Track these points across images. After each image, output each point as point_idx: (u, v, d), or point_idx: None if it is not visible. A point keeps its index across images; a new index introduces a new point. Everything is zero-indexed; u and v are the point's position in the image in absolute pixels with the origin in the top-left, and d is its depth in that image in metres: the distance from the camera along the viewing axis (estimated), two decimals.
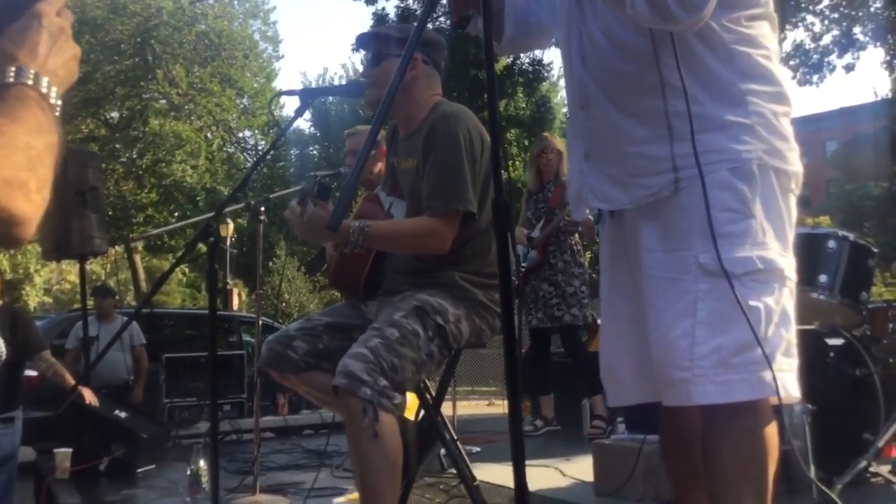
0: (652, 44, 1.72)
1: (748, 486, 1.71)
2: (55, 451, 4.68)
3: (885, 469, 3.15)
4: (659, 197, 1.76)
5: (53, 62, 1.01)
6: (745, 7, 1.74)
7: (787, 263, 1.74)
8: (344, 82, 27.06)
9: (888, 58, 16.07)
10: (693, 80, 1.70)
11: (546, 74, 18.01)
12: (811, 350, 3.38)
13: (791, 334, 1.72)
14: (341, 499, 3.59)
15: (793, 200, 1.79)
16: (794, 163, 1.78)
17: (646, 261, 1.78)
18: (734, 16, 1.72)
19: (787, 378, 1.67)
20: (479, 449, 4.98)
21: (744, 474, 1.71)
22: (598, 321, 6.03)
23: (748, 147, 1.71)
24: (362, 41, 2.83)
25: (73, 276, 34.73)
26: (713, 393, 1.65)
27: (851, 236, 3.35)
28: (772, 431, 1.74)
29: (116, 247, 27.13)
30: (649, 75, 1.73)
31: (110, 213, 23.14)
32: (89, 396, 5.11)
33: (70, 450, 4.68)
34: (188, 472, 3.86)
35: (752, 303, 1.65)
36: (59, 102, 0.99)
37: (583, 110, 1.87)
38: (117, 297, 8.45)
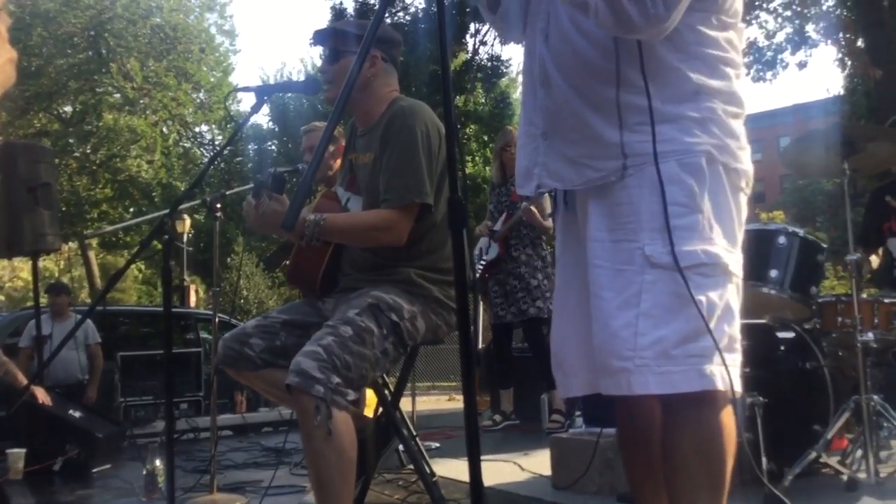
0: (613, 36, 1.73)
1: (706, 479, 1.73)
2: (8, 451, 4.62)
3: (834, 460, 3.22)
4: (607, 181, 1.77)
5: None
6: (711, 12, 1.76)
7: (734, 259, 1.75)
8: (302, 77, 26.94)
9: (840, 55, 16.39)
10: (648, 73, 1.72)
11: (505, 70, 18.06)
12: (762, 343, 3.45)
13: (734, 330, 1.73)
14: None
15: (743, 199, 1.81)
16: (745, 162, 1.80)
17: (593, 250, 1.79)
18: (698, 17, 1.74)
19: (726, 372, 1.67)
20: (438, 445, 5.00)
21: (702, 467, 1.73)
22: None
23: (697, 140, 1.72)
24: (320, 37, 2.82)
25: (26, 274, 34.09)
26: (653, 384, 1.66)
27: (801, 232, 3.41)
28: (731, 425, 1.75)
29: (70, 243, 26.73)
30: (606, 64, 1.75)
31: (64, 208, 22.78)
32: (42, 396, 5.04)
33: (23, 450, 4.61)
34: (144, 472, 3.82)
35: (694, 296, 1.66)
36: None
37: (542, 88, 1.88)
38: (72, 295, 8.32)
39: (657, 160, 1.70)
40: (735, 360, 1.72)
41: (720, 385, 1.66)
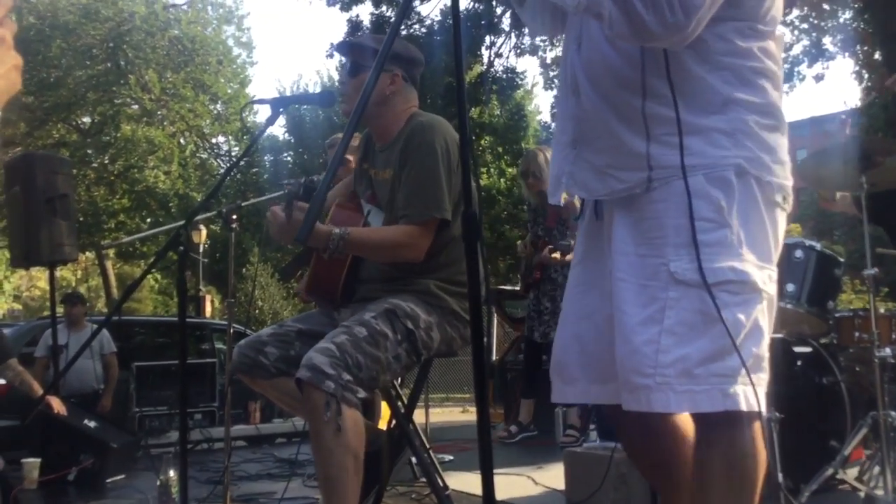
0: (640, 47, 1.71)
1: (735, 500, 1.71)
2: (23, 461, 4.63)
3: (851, 476, 3.19)
4: (632, 193, 1.74)
5: None
6: (745, 20, 1.72)
7: (765, 276, 1.70)
8: (319, 88, 27.07)
9: (857, 68, 16.29)
10: (675, 84, 1.69)
11: (520, 82, 18.04)
12: (779, 358, 3.42)
13: (762, 349, 1.69)
14: None
15: (780, 213, 1.75)
16: (782, 176, 1.74)
17: (618, 263, 1.76)
18: (730, 26, 1.70)
19: (750, 391, 1.64)
20: (451, 457, 4.98)
21: (732, 489, 1.70)
22: None
23: (726, 153, 1.68)
24: (342, 49, 2.87)
25: (44, 283, 34.32)
26: (674, 402, 1.64)
27: (818, 246, 3.39)
28: (762, 447, 1.72)
29: (87, 253, 26.90)
30: (633, 74, 1.72)
31: (81, 219, 22.91)
32: (57, 406, 5.06)
33: (38, 460, 4.62)
34: (158, 483, 3.82)
35: (722, 314, 1.62)
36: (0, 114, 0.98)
37: (573, 96, 1.86)
38: (88, 305, 8.36)
39: (685, 174, 1.66)
40: (762, 379, 1.67)
41: (743, 405, 1.63)
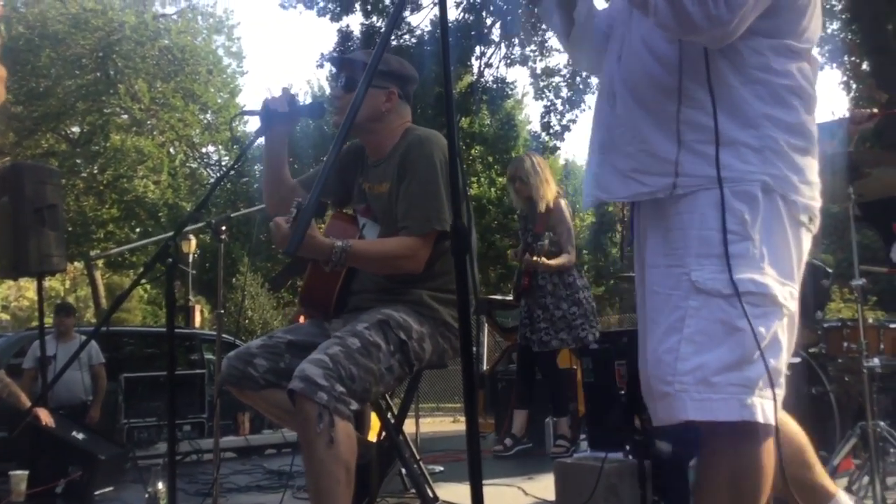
0: (679, 53, 1.74)
1: None
2: (11, 473, 4.60)
3: (840, 486, 3.19)
4: (655, 198, 1.77)
5: None
6: (782, 36, 1.74)
7: (786, 292, 1.71)
8: (309, 98, 27.06)
9: (845, 78, 16.39)
10: (714, 92, 1.71)
11: (510, 92, 18.11)
12: None
13: (780, 363, 1.69)
14: None
15: (805, 233, 1.76)
16: (808, 196, 1.75)
17: (651, 276, 1.80)
18: (767, 43, 1.72)
19: (766, 405, 1.65)
20: (441, 468, 4.97)
21: (733, 500, 1.69)
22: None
23: (752, 168, 1.69)
24: (336, 64, 2.89)
25: (32, 294, 34.13)
26: (692, 410, 1.64)
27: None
28: (769, 462, 1.71)
29: (76, 263, 26.77)
30: (671, 79, 1.75)
31: (70, 228, 22.81)
32: (45, 418, 5.03)
33: (26, 472, 4.59)
34: (146, 495, 3.80)
35: (739, 324, 1.64)
36: None
37: (608, 104, 1.90)
38: (77, 315, 8.31)
39: (721, 184, 1.68)
40: (778, 395, 1.68)
41: (760, 417, 1.63)
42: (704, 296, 1.66)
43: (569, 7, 2.05)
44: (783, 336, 1.70)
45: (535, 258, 5.35)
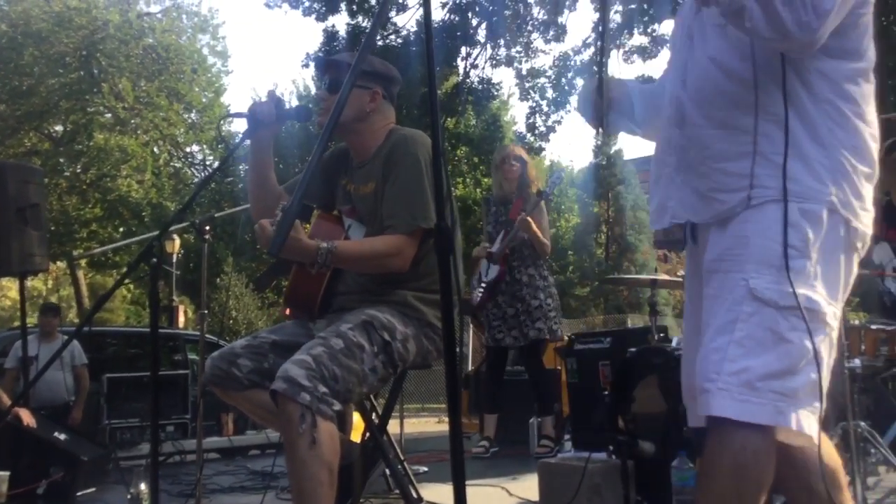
0: (753, 69, 1.80)
1: (736, 501, 1.73)
2: None
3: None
4: (732, 213, 1.82)
5: None
6: (846, 58, 1.80)
7: (832, 312, 1.77)
8: (294, 98, 27.03)
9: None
10: (790, 110, 1.76)
11: (496, 93, 18.12)
12: None
13: (821, 379, 1.74)
14: None
15: (855, 259, 1.84)
16: (865, 224, 1.82)
17: (708, 282, 1.85)
18: (833, 64, 1.79)
19: (803, 415, 1.70)
20: (426, 469, 4.97)
21: (735, 490, 1.73)
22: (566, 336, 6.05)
23: (823, 187, 1.75)
24: (321, 65, 2.90)
25: (14, 293, 33.85)
26: (730, 408, 1.69)
27: None
28: (772, 461, 1.75)
29: (59, 263, 26.60)
30: (747, 96, 1.80)
31: (53, 228, 22.68)
32: (27, 418, 5.00)
33: (7, 473, 4.55)
34: (128, 496, 3.79)
35: (788, 336, 1.70)
36: None
37: (677, 128, 1.95)
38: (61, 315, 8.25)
39: (786, 196, 1.73)
40: (816, 408, 1.73)
41: (794, 425, 1.68)
42: (759, 303, 1.72)
43: (628, 112, 2.16)
44: (825, 353, 1.76)
45: (529, 219, 5.41)
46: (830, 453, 1.99)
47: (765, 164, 1.77)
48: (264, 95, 2.78)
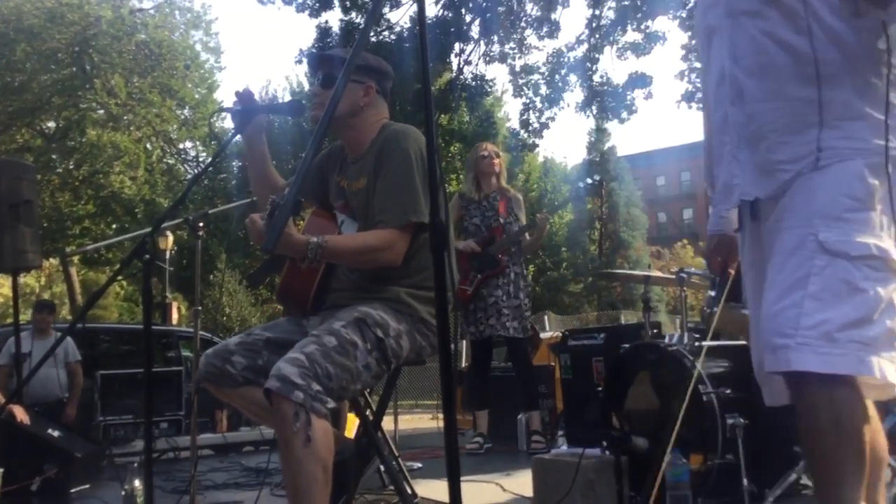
0: (810, 42, 1.84)
1: (845, 452, 1.74)
2: None
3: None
4: (797, 179, 1.85)
5: None
6: (878, 32, 1.83)
7: None
8: (287, 94, 26.99)
9: None
10: (847, 76, 1.83)
11: (489, 90, 18.10)
12: (742, 364, 3.46)
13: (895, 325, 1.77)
14: None
15: None
16: None
17: (771, 244, 1.88)
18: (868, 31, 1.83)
19: (884, 364, 1.72)
20: (420, 465, 4.98)
21: (840, 443, 1.74)
22: (541, 334, 6.08)
23: (883, 143, 1.80)
24: (313, 61, 2.92)
25: (6, 290, 33.79)
26: (811, 362, 1.70)
27: None
28: (864, 406, 1.77)
29: (52, 259, 26.54)
30: (806, 68, 1.84)
31: (46, 224, 22.61)
32: (21, 414, 4.99)
33: (0, 469, 4.55)
34: (122, 493, 3.78)
35: (862, 285, 1.73)
36: None
37: (733, 106, 1.98)
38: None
39: (844, 145, 1.79)
40: (893, 356, 1.75)
41: (877, 373, 1.71)
42: (830, 256, 1.75)
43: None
44: None
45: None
46: (882, 444, 1.99)
47: (828, 129, 1.82)
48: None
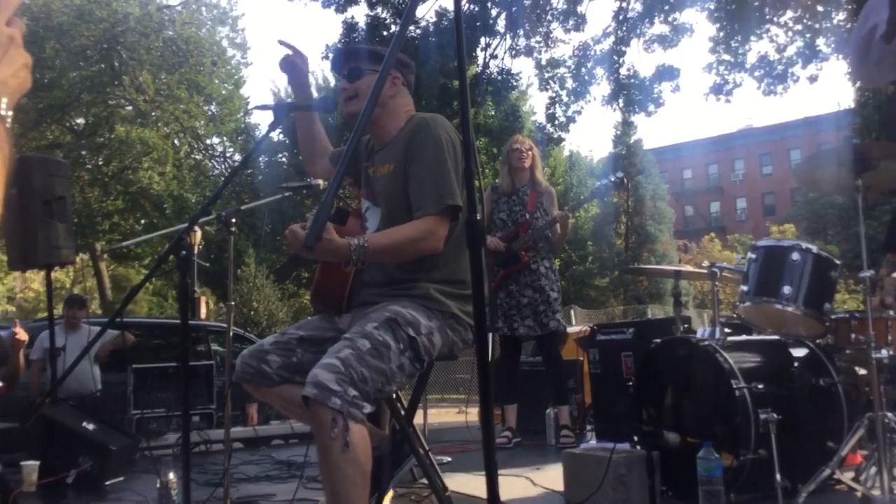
0: None
1: None
2: (22, 463, 4.64)
3: (847, 477, 3.21)
4: None
5: (4, 72, 1.00)
6: None
7: None
8: (314, 89, 27.05)
9: (851, 69, 16.35)
10: None
11: (515, 84, 18.07)
12: (776, 360, 3.46)
13: None
14: None
15: None
16: None
17: None
18: None
19: None
20: (449, 459, 5.00)
21: None
22: (567, 328, 6.07)
23: None
24: (339, 56, 2.94)
25: (38, 285, 34.26)
26: None
27: (815, 248, 3.41)
28: None
29: (82, 255, 26.84)
30: None
31: (76, 220, 22.86)
32: (21, 334, 5.14)
33: (37, 462, 4.63)
34: (157, 485, 3.83)
35: None
36: (10, 113, 0.98)
37: None
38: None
39: None
40: None
41: None
42: None
43: None
44: None
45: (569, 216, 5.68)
46: None
47: None
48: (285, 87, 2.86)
